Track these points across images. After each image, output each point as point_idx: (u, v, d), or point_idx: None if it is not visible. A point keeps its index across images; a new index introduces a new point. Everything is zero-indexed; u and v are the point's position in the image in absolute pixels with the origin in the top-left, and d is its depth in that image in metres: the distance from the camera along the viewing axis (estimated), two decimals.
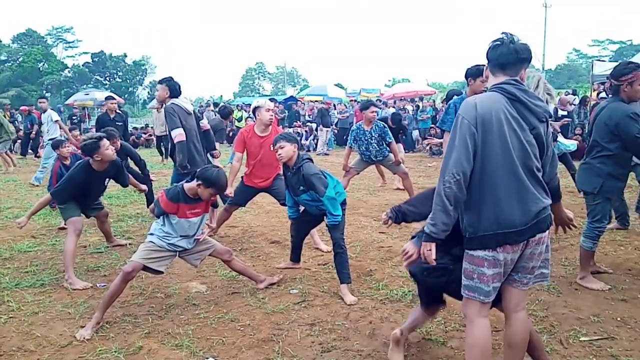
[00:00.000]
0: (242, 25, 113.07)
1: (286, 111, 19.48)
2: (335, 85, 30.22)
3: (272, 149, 3.95)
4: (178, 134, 4.94)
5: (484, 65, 2.40)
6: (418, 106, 17.37)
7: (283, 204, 4.80)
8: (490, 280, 2.18)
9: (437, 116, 13.70)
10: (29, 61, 46.42)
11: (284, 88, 61.69)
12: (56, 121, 10.33)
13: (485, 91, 2.32)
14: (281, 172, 4.57)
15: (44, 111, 10.61)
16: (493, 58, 2.25)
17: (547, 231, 2.24)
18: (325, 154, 14.88)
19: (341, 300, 3.67)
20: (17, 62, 48.01)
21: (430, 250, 2.22)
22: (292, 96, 27.11)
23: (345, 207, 3.96)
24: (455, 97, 4.64)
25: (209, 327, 3.32)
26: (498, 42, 2.23)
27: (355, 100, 19.86)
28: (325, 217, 3.90)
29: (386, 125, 6.74)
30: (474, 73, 4.18)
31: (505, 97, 2.17)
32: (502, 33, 2.27)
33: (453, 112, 4.36)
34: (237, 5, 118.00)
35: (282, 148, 3.79)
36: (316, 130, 16.56)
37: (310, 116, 18.43)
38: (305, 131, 16.94)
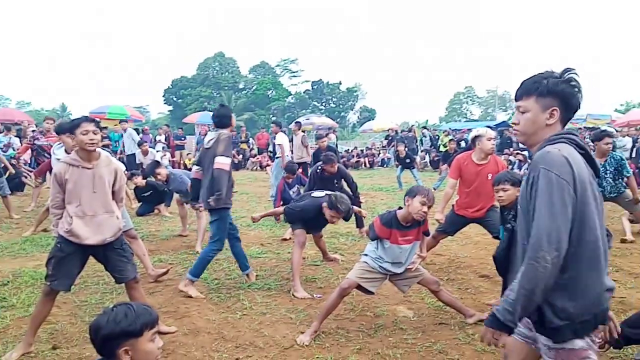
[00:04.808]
0: (448, 49, 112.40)
1: (498, 137, 18.57)
2: None
3: (489, 178, 3.76)
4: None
5: None
6: None
7: (496, 237, 4.57)
8: None
9: None
10: (261, 89, 53.59)
11: (494, 112, 59.02)
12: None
13: None
14: (496, 204, 4.36)
15: (276, 134, 11.27)
16: (575, 104, 1.83)
17: None
18: None
19: None
20: (252, 90, 55.79)
21: (497, 339, 1.79)
22: (504, 121, 25.74)
23: None
24: None
25: (416, 354, 3.33)
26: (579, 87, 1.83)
27: (582, 128, 17.94)
28: None
29: (623, 157, 5.93)
30: None
31: (580, 155, 1.79)
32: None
33: None
34: (445, 30, 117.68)
35: (504, 191, 3.61)
36: (530, 158, 15.39)
37: None
38: (519, 160, 15.86)
